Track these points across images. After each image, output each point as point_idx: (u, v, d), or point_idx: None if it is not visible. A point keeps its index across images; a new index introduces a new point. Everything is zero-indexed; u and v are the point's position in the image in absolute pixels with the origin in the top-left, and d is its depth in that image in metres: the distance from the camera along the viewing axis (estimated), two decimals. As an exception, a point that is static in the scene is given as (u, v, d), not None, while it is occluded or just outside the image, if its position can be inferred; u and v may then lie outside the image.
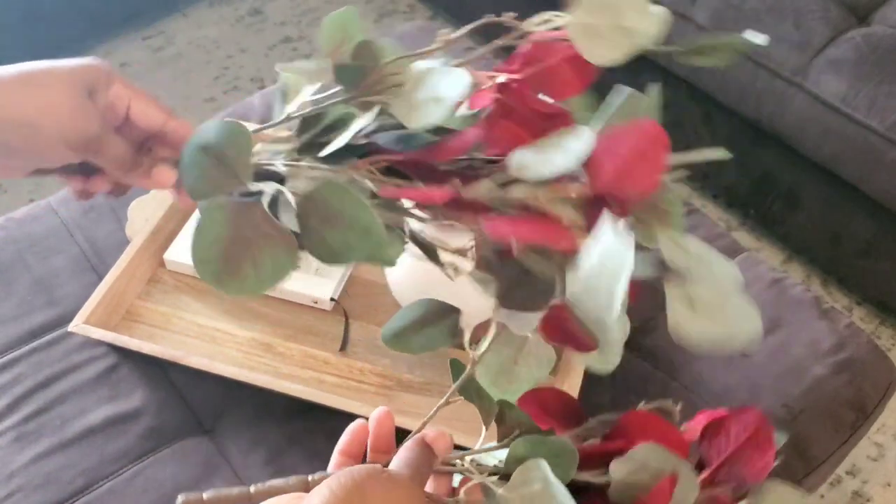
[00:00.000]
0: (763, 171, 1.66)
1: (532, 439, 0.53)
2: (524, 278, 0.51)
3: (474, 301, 0.95)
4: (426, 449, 0.53)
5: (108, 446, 0.88)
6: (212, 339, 0.95)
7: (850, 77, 1.41)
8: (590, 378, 0.91)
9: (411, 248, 0.55)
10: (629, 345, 0.99)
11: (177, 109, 2.06)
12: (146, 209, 1.05)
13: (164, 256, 1.01)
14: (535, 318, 0.50)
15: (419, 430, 0.54)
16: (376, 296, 0.99)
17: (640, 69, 1.76)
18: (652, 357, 0.95)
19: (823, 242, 1.63)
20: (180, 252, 1.01)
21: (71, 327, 0.93)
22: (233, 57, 2.13)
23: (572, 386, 0.87)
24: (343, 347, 0.95)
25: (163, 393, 0.91)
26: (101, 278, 0.99)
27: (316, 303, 0.98)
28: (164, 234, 1.03)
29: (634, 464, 0.51)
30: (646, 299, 1.05)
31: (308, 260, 1.04)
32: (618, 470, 0.51)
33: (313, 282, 0.98)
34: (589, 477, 0.53)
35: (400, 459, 0.51)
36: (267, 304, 0.99)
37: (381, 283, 0.99)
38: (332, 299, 0.97)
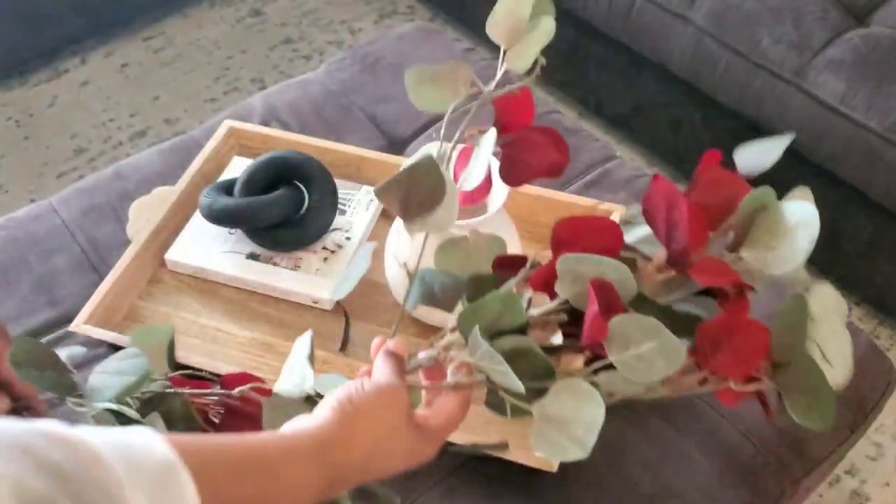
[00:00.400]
0: (762, 172, 1.66)
1: (475, 305, 0.59)
2: None
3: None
4: (392, 357, 0.60)
5: (108, 446, 0.88)
6: (212, 339, 0.96)
7: (848, 78, 1.42)
8: (589, 378, 0.91)
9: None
10: (628, 345, 0.99)
11: (177, 110, 2.06)
12: (147, 209, 1.05)
13: (164, 256, 1.02)
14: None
15: (382, 344, 0.62)
16: (376, 296, 0.99)
17: (640, 69, 1.77)
18: (651, 357, 0.96)
19: (822, 242, 1.63)
20: (181, 252, 1.01)
21: (72, 327, 0.93)
22: (233, 57, 2.14)
23: (572, 386, 0.87)
24: (343, 347, 0.95)
25: (163, 393, 0.91)
26: (102, 278, 0.99)
27: (316, 303, 0.98)
28: (165, 235, 1.04)
29: (569, 269, 0.57)
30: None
31: (308, 260, 1.05)
32: (563, 265, 0.58)
33: (313, 282, 0.98)
34: (543, 309, 0.60)
35: (377, 371, 0.59)
36: (267, 304, 0.99)
37: (382, 283, 0.99)
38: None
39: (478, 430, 0.88)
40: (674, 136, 1.80)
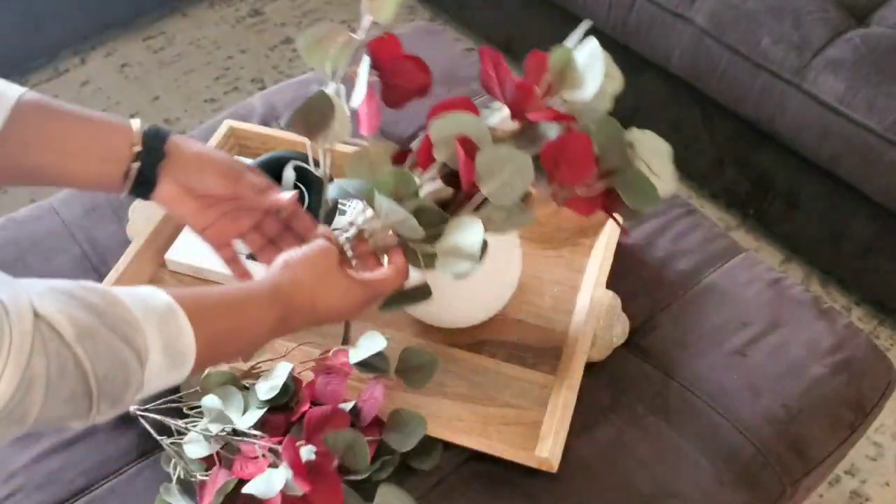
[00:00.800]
0: (762, 172, 1.67)
1: (376, 182, 0.75)
2: None
3: (474, 301, 0.95)
4: (322, 237, 0.76)
5: (108, 446, 0.88)
6: (212, 339, 0.96)
7: (848, 77, 1.42)
8: (589, 378, 0.91)
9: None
10: (629, 345, 1.00)
11: (177, 110, 2.06)
12: (147, 210, 1.05)
13: (164, 257, 1.01)
14: None
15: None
16: (376, 296, 0.99)
17: (639, 69, 1.77)
18: (651, 357, 0.96)
19: (822, 242, 1.64)
20: (181, 252, 1.01)
21: (72, 327, 0.93)
22: (233, 57, 2.14)
23: (572, 385, 0.87)
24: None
25: (164, 392, 0.91)
26: (102, 279, 0.99)
27: (316, 303, 0.98)
28: (165, 235, 1.04)
29: (439, 137, 0.75)
30: (645, 300, 1.05)
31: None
32: (434, 132, 0.75)
33: (313, 282, 0.98)
34: (428, 174, 0.77)
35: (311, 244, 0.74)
36: (267, 304, 0.99)
37: (382, 283, 0.99)
38: (332, 299, 0.97)
39: (477, 431, 0.88)
40: (673, 136, 1.80)
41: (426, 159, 0.78)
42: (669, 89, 1.74)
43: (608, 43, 1.83)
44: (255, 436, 0.81)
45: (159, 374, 0.58)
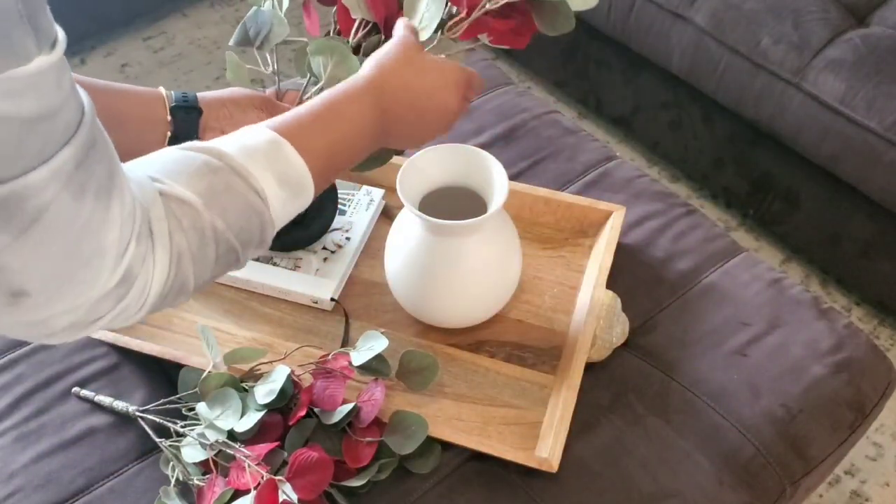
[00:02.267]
0: (762, 172, 1.67)
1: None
2: None
3: (474, 301, 0.95)
4: (403, 26, 0.78)
5: (108, 446, 0.88)
6: (212, 339, 0.96)
7: (848, 78, 1.42)
8: (589, 378, 0.91)
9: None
10: (629, 345, 1.00)
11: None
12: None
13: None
14: None
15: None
16: (376, 296, 0.99)
17: (640, 69, 1.77)
18: (652, 357, 0.96)
19: (822, 242, 1.64)
20: (181, 252, 1.01)
21: (72, 327, 0.93)
22: (233, 57, 2.14)
23: (572, 385, 0.87)
24: (343, 347, 0.95)
25: (163, 393, 0.91)
26: (101, 278, 0.99)
27: (316, 303, 0.98)
28: (165, 235, 1.04)
29: None
30: (645, 300, 1.05)
31: (308, 260, 1.05)
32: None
33: (313, 282, 0.98)
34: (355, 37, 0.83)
35: (394, 35, 0.77)
36: (267, 304, 0.99)
37: (381, 283, 0.99)
38: (332, 299, 0.97)
39: (477, 431, 0.88)
40: (673, 136, 1.80)
41: (346, 24, 0.83)
42: (669, 89, 1.74)
43: (608, 43, 1.85)
44: (245, 449, 0.81)
45: (284, 205, 0.61)
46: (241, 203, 0.58)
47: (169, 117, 0.79)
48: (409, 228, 0.90)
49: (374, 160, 0.83)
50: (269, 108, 0.85)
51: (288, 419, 0.84)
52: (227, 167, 0.58)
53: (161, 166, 0.57)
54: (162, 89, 0.80)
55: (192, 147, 0.59)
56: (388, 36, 0.79)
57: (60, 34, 0.47)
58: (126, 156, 0.79)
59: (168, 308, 0.60)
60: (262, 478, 0.76)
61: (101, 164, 0.49)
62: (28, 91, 0.43)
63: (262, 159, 0.60)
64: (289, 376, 0.84)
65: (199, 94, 0.81)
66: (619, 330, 0.94)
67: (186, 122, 0.79)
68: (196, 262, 0.56)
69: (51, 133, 0.45)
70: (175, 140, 0.79)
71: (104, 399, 0.90)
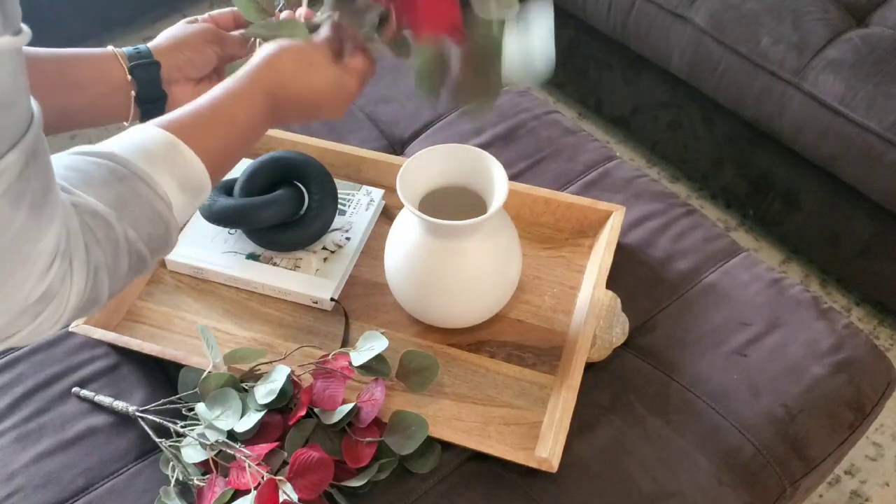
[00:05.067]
0: (762, 172, 1.67)
1: None
2: None
3: (474, 301, 0.95)
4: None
5: (108, 446, 0.88)
6: (212, 340, 0.96)
7: (848, 78, 1.42)
8: (589, 378, 0.91)
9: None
10: (629, 345, 1.00)
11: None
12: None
13: (164, 257, 1.01)
14: None
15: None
16: (376, 296, 0.99)
17: (640, 69, 1.77)
18: (652, 357, 0.96)
19: (822, 243, 1.64)
20: (181, 252, 1.01)
21: (72, 327, 0.93)
22: (232, 57, 2.13)
23: (572, 385, 0.87)
24: (343, 347, 0.95)
25: (163, 393, 0.91)
26: (101, 278, 0.99)
27: (316, 303, 0.98)
28: (165, 235, 1.04)
29: None
30: (645, 300, 1.05)
31: (308, 260, 1.06)
32: None
33: (313, 282, 0.98)
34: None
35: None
36: (267, 304, 0.99)
37: (381, 283, 0.99)
38: (332, 299, 0.97)
39: (477, 431, 0.88)
40: (673, 136, 1.80)
41: None
42: (669, 89, 1.74)
43: (608, 43, 1.85)
44: (245, 449, 0.81)
45: (185, 208, 0.62)
46: (149, 211, 0.59)
47: (129, 77, 0.77)
48: (409, 228, 0.90)
49: None
50: (219, 40, 0.84)
51: (288, 419, 0.84)
52: (133, 174, 0.58)
53: (67, 175, 0.56)
54: (111, 48, 0.79)
55: (93, 153, 0.58)
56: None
57: (26, 28, 0.46)
58: (95, 122, 0.77)
59: (77, 320, 0.60)
60: (263, 478, 0.76)
61: (38, 179, 0.48)
62: None
63: (163, 164, 0.60)
64: (289, 376, 0.84)
65: (151, 45, 0.80)
66: (619, 330, 0.94)
67: (147, 78, 0.78)
68: (111, 274, 0.56)
69: (3, 128, 0.45)
70: (140, 99, 0.78)
71: (104, 399, 0.90)
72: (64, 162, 0.57)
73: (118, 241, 0.56)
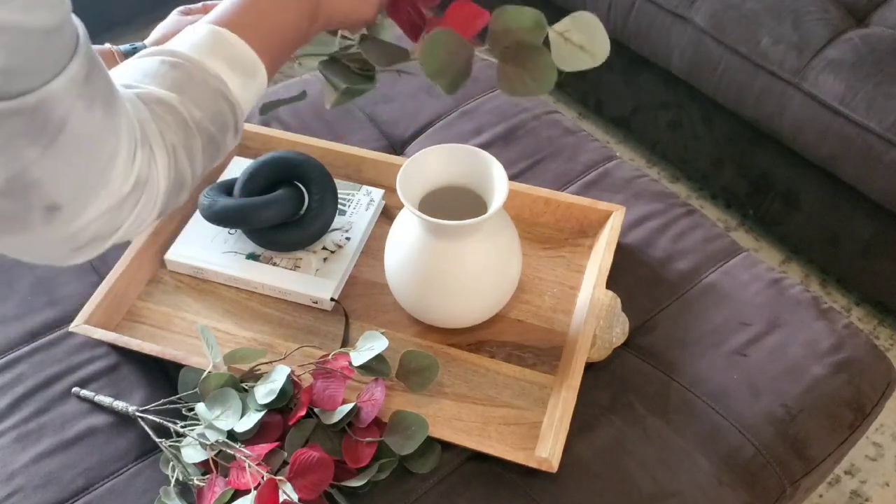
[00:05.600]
0: (762, 172, 1.67)
1: None
2: None
3: (474, 301, 0.95)
4: None
5: (108, 446, 0.88)
6: (212, 340, 0.96)
7: (848, 78, 1.42)
8: (589, 378, 0.91)
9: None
10: (629, 345, 1.00)
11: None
12: (146, 209, 1.05)
13: (164, 257, 1.02)
14: None
15: None
16: (376, 296, 0.99)
17: (639, 69, 1.77)
18: (652, 357, 0.96)
19: (822, 243, 1.64)
20: (181, 252, 1.01)
21: (72, 327, 0.93)
22: (232, 57, 2.13)
23: (572, 386, 0.87)
24: (343, 347, 0.95)
25: (163, 393, 0.91)
26: (102, 278, 0.99)
27: (316, 303, 0.98)
28: (165, 235, 1.04)
29: None
30: (645, 300, 1.05)
31: (308, 260, 1.06)
32: None
33: (313, 282, 0.98)
34: None
35: None
36: (267, 304, 0.99)
37: (381, 283, 0.99)
38: (332, 299, 0.97)
39: (476, 431, 0.88)
40: (673, 136, 1.80)
41: None
42: (669, 89, 1.74)
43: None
44: (246, 449, 0.81)
45: (244, 87, 0.65)
46: (206, 90, 0.62)
47: None
48: (408, 228, 0.90)
49: (354, 90, 0.82)
50: None
51: (288, 419, 0.84)
52: (182, 61, 0.62)
53: (127, 73, 0.61)
54: (108, 45, 0.80)
55: (143, 53, 0.63)
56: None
57: None
58: None
59: (173, 208, 0.63)
60: (263, 478, 0.76)
61: (101, 80, 0.53)
62: (42, 4, 0.46)
63: (208, 49, 0.63)
64: (289, 376, 0.84)
65: (147, 41, 0.82)
66: (619, 330, 0.94)
67: None
68: (188, 154, 0.60)
69: (62, 45, 0.49)
70: None
71: (104, 399, 0.90)
72: (121, 69, 0.62)
73: (186, 121, 0.60)
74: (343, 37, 0.82)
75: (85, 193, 0.53)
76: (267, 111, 0.85)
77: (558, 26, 0.71)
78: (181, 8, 0.84)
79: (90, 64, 0.51)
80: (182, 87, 0.61)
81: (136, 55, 0.63)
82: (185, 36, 0.65)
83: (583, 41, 0.71)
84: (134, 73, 0.61)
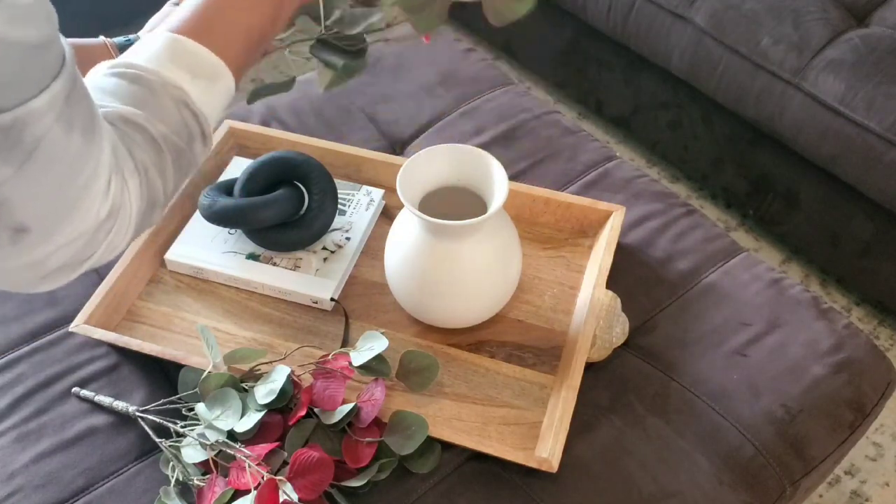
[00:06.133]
0: (762, 172, 1.67)
1: None
2: None
3: (474, 301, 0.95)
4: None
5: (108, 446, 0.88)
6: (212, 340, 0.96)
7: (848, 78, 1.42)
8: (589, 378, 0.91)
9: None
10: (629, 345, 1.00)
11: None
12: (146, 209, 1.05)
13: (164, 257, 1.02)
14: None
15: None
16: (376, 296, 0.99)
17: (640, 69, 1.77)
18: (651, 357, 0.96)
19: (822, 243, 1.64)
20: (181, 252, 1.01)
21: (72, 327, 0.93)
22: (232, 57, 2.13)
23: (572, 386, 0.87)
24: (343, 347, 0.95)
25: (163, 393, 0.91)
26: (102, 278, 0.99)
27: (316, 303, 0.98)
28: (165, 235, 1.04)
29: None
30: (645, 300, 1.05)
31: (308, 260, 1.06)
32: None
33: (313, 282, 0.98)
34: None
35: None
36: (267, 304, 0.99)
37: (381, 283, 0.99)
38: (332, 299, 0.97)
39: (476, 431, 0.88)
40: (673, 136, 1.80)
41: None
42: (669, 89, 1.74)
43: (608, 43, 1.85)
44: (246, 449, 0.81)
45: (206, 94, 0.63)
46: (168, 101, 0.61)
47: None
48: (408, 228, 0.90)
49: (342, 76, 0.82)
50: None
51: (288, 419, 0.84)
52: (140, 74, 0.61)
53: (97, 93, 0.60)
54: (102, 38, 0.80)
55: (99, 71, 0.62)
56: None
57: None
58: None
59: (146, 229, 0.62)
60: (263, 478, 0.76)
61: (83, 103, 0.52)
62: (28, 19, 0.46)
63: (167, 57, 0.62)
64: (289, 376, 0.84)
65: (142, 33, 0.81)
66: (619, 330, 0.94)
67: None
68: (159, 172, 0.60)
69: (46, 63, 0.49)
70: None
71: (104, 399, 0.90)
72: (91, 82, 0.61)
73: (154, 138, 0.59)
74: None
75: (55, 218, 0.52)
76: (254, 100, 0.85)
77: None
78: (174, 1, 0.83)
79: (73, 87, 0.51)
80: (145, 103, 0.60)
81: (94, 69, 0.62)
82: (143, 46, 0.64)
83: None
84: (93, 92, 0.59)
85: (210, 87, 0.64)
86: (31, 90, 0.48)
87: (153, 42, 0.63)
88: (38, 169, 0.49)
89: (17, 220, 0.50)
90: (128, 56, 0.63)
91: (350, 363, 0.86)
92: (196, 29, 0.64)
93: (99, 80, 0.61)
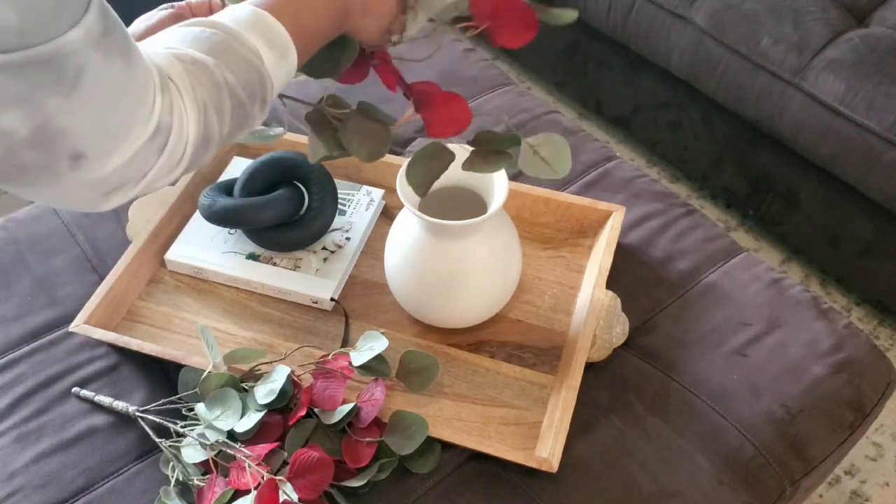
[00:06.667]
0: (762, 172, 1.67)
1: None
2: None
3: (474, 301, 0.95)
4: None
5: (108, 446, 0.88)
6: (212, 340, 0.96)
7: (848, 78, 1.42)
8: (589, 378, 0.91)
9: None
10: (629, 345, 1.00)
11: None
12: (147, 210, 1.05)
13: (164, 257, 1.02)
14: None
15: None
16: (376, 296, 0.99)
17: (640, 69, 1.77)
18: (651, 357, 0.96)
19: (822, 243, 1.64)
20: (181, 252, 1.01)
21: (72, 327, 0.93)
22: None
23: (572, 386, 0.87)
24: (343, 347, 0.95)
25: (163, 393, 0.91)
26: (102, 279, 0.99)
27: (316, 303, 0.98)
28: (165, 235, 1.04)
29: None
30: (645, 300, 1.05)
31: (308, 260, 1.06)
32: None
33: (313, 282, 0.98)
34: None
35: None
36: (267, 304, 0.99)
37: (381, 283, 0.99)
38: (332, 299, 0.97)
39: (476, 431, 0.88)
40: (673, 136, 1.80)
41: None
42: (669, 89, 1.74)
43: (608, 43, 1.84)
44: (246, 449, 0.81)
45: (275, 65, 0.67)
46: (242, 59, 0.64)
47: None
48: (408, 228, 0.90)
49: (330, 63, 0.83)
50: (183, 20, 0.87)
51: (288, 419, 0.84)
52: (223, 31, 0.65)
53: (168, 39, 0.64)
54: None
55: (187, 23, 0.66)
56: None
57: None
58: None
59: (200, 164, 0.65)
60: (263, 478, 0.76)
61: (117, 31, 0.54)
62: None
63: (249, 25, 0.67)
64: (289, 376, 0.84)
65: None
66: (619, 330, 0.94)
67: None
68: (217, 113, 0.62)
69: (74, 1, 0.51)
70: None
71: (104, 399, 0.90)
72: (164, 34, 0.65)
73: (219, 82, 0.62)
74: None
75: (109, 141, 0.55)
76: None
77: (532, 140, 0.81)
78: (165, 5, 0.85)
79: (106, 19, 0.53)
80: (219, 53, 0.64)
81: (177, 25, 0.66)
82: (227, 12, 0.69)
83: (548, 157, 0.81)
84: (175, 36, 0.64)
85: (280, 61, 0.68)
86: (66, 24, 0.50)
87: (237, 10, 0.68)
88: (86, 95, 0.52)
89: (74, 148, 0.53)
90: (213, 18, 0.67)
91: (350, 363, 0.86)
92: (277, 11, 0.69)
93: (182, 28, 0.65)
